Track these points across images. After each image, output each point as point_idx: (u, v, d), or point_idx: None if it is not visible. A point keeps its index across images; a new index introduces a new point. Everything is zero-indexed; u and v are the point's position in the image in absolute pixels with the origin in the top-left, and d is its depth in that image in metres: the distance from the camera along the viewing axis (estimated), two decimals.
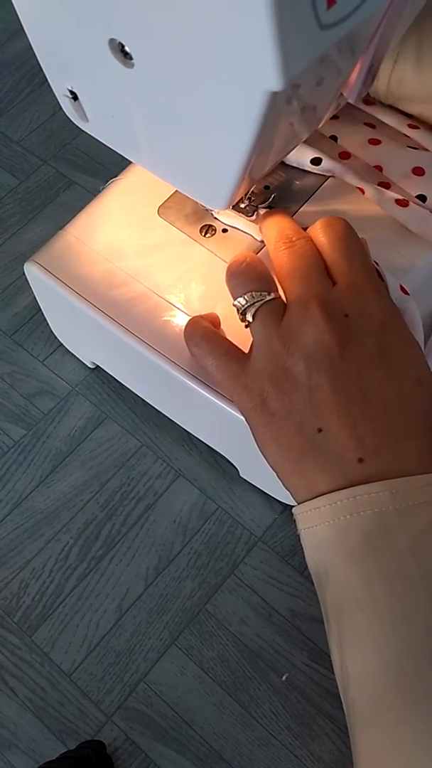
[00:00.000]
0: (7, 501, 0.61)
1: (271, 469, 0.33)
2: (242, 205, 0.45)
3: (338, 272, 0.34)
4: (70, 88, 0.36)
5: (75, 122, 0.39)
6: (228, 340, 0.36)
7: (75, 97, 0.36)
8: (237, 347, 0.36)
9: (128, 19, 0.28)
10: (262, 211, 0.45)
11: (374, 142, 0.46)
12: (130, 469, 0.61)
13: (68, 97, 0.37)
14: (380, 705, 0.27)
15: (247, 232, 0.46)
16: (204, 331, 0.37)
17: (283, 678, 0.54)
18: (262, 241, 0.45)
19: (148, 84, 0.30)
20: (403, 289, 0.40)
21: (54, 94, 0.38)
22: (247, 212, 0.45)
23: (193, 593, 0.57)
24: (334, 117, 0.48)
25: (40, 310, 0.61)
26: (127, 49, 0.29)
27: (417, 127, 0.47)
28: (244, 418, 0.34)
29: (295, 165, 0.47)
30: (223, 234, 0.46)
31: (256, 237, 0.45)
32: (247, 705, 0.53)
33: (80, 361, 0.65)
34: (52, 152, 0.79)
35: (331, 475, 0.30)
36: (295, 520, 0.32)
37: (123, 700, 0.54)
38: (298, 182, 0.47)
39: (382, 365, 0.31)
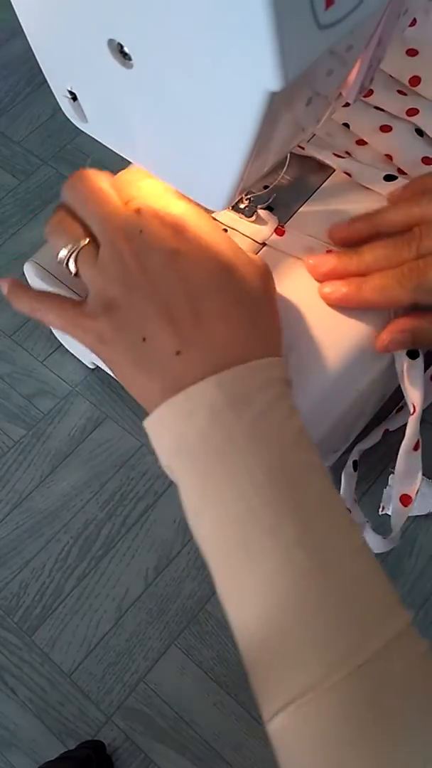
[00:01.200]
0: (7, 501, 0.61)
1: None
2: (242, 206, 0.45)
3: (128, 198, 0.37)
4: (69, 89, 0.36)
5: (74, 122, 0.39)
6: (58, 296, 0.38)
7: (74, 98, 0.36)
8: (69, 299, 0.38)
9: (127, 20, 0.28)
10: (261, 212, 0.45)
11: (385, 129, 0.47)
12: (130, 469, 0.61)
13: (67, 97, 0.37)
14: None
15: (246, 234, 0.46)
16: (34, 295, 0.39)
17: None
18: (261, 242, 0.45)
19: (147, 84, 0.30)
20: None
21: (54, 94, 0.38)
22: (246, 213, 0.45)
23: (192, 593, 0.57)
24: (345, 103, 0.48)
25: None
26: (126, 49, 0.29)
27: (416, 112, 0.47)
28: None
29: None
30: None
31: (255, 238, 0.45)
32: (247, 705, 0.53)
33: (80, 361, 0.65)
34: (52, 152, 0.79)
35: (160, 382, 0.33)
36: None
37: (123, 700, 0.54)
38: (298, 182, 0.47)
39: (178, 264, 0.34)
